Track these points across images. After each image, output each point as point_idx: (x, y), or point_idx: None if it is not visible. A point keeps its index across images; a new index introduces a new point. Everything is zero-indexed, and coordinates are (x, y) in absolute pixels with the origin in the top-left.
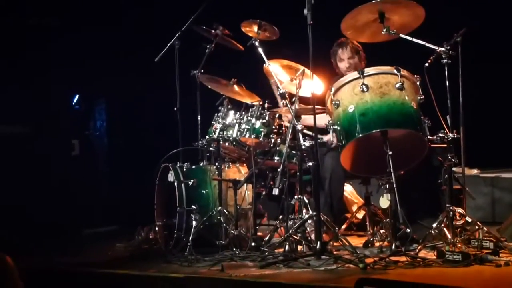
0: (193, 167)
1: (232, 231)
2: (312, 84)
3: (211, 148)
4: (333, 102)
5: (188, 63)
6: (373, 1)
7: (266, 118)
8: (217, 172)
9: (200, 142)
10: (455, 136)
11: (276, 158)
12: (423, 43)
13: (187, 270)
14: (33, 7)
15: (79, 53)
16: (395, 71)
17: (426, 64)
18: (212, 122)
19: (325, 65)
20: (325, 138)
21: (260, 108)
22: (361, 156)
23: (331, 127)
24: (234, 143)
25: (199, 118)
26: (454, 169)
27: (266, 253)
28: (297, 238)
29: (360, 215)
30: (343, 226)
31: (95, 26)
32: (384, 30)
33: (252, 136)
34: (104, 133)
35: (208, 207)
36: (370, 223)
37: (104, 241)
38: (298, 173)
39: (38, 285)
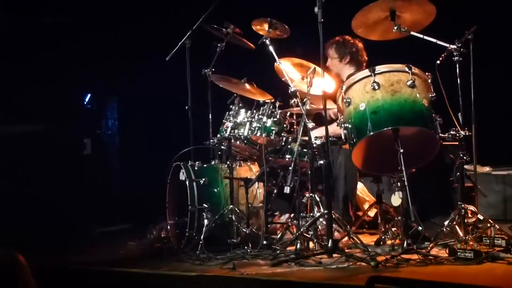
0: (205, 165)
1: (243, 230)
2: (323, 82)
3: (222, 147)
4: (344, 100)
5: (199, 62)
6: None
7: (277, 116)
8: (228, 171)
9: (211, 140)
10: (467, 133)
11: (287, 156)
12: (434, 40)
13: (199, 269)
14: (47, 5)
15: (91, 52)
16: (406, 69)
17: (438, 62)
18: (223, 121)
19: None
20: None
21: (271, 107)
22: (372, 154)
23: (342, 125)
24: (245, 141)
25: (210, 117)
26: (466, 166)
27: (278, 251)
28: (309, 236)
29: (372, 213)
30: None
31: (107, 25)
32: (395, 27)
33: (263, 135)
34: (116, 132)
35: (220, 205)
36: (382, 221)
37: (116, 240)
38: (309, 171)
39: (50, 283)
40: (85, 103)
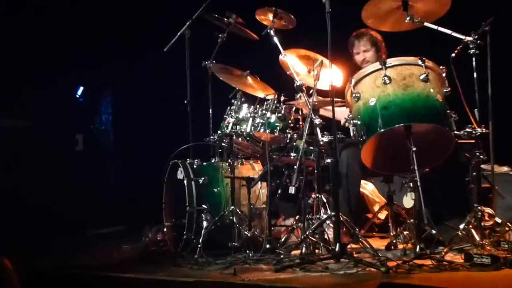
0: (204, 164)
1: (245, 232)
2: (331, 76)
3: (223, 144)
4: (353, 95)
5: (199, 53)
6: None
7: (282, 111)
8: (229, 169)
9: (211, 137)
10: (484, 131)
11: (293, 154)
12: (449, 32)
13: (197, 274)
14: None
15: (84, 43)
16: (420, 62)
17: (453, 55)
18: (225, 116)
19: (344, 55)
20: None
21: (275, 101)
22: (383, 153)
23: (351, 121)
24: (247, 138)
25: (210, 112)
26: (482, 166)
27: (282, 256)
28: (315, 239)
29: (382, 215)
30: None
31: (101, 15)
32: (408, 18)
33: (267, 131)
34: (110, 127)
35: (220, 206)
36: (393, 224)
37: (110, 242)
38: (316, 170)
39: None
40: (77, 96)
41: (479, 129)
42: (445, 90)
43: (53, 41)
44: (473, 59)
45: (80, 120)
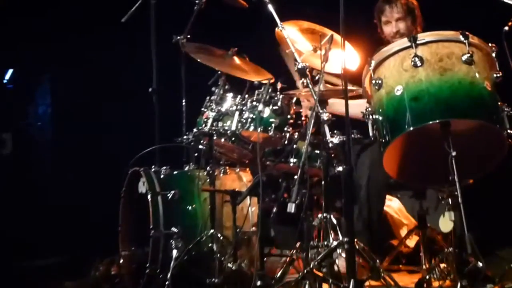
0: (175, 172)
1: (229, 265)
2: (344, 56)
3: (200, 146)
4: (373, 82)
5: (168, 25)
6: None
7: (279, 103)
8: (208, 180)
9: (184, 137)
10: None
11: (292, 160)
12: None
13: None
14: None
15: (14, 11)
16: (462, 38)
17: (506, 28)
18: (203, 109)
19: (362, 29)
20: None
21: (270, 90)
22: (412, 158)
23: (370, 116)
24: (233, 138)
25: (183, 103)
26: None
27: None
28: (322, 274)
29: (412, 242)
30: (387, 258)
31: None
32: None
33: (259, 129)
34: (48, 123)
35: (196, 229)
36: (426, 253)
37: (48, 278)
38: (323, 182)
39: None
40: (5, 82)
41: None
42: (495, 75)
43: None
44: None
45: (8, 114)
